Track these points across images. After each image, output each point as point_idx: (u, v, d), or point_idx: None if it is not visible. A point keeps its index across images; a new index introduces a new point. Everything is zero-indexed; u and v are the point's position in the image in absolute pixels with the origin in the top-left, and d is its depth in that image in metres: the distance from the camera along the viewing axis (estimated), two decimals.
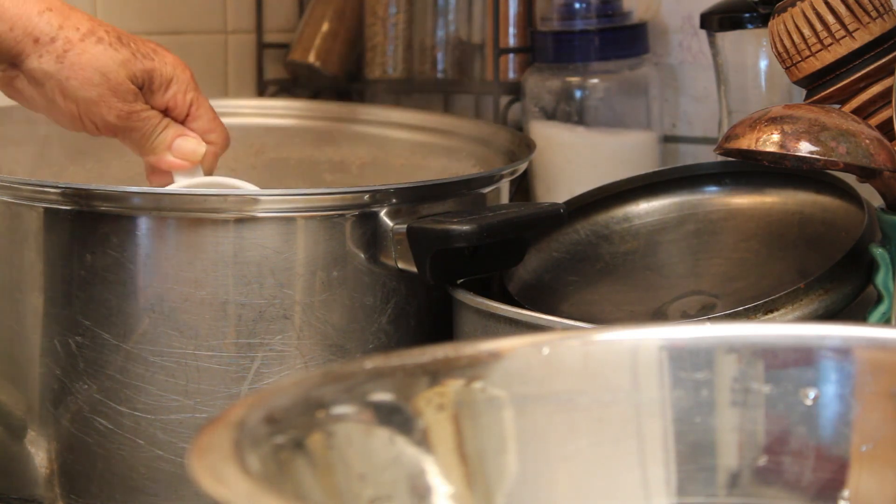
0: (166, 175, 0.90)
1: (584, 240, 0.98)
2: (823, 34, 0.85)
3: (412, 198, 0.85)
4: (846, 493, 0.58)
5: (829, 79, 0.86)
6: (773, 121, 0.79)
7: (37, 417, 0.85)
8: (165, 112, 0.89)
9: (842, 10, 0.84)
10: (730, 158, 0.91)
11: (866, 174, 0.81)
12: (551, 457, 0.59)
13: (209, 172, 0.90)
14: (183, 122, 0.89)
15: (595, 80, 1.15)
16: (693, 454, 0.59)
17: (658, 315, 0.89)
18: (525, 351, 0.60)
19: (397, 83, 1.29)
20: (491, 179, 0.91)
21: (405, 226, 0.83)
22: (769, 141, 0.79)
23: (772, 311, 0.80)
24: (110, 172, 1.04)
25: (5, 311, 0.85)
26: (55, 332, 0.83)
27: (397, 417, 0.56)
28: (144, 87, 0.87)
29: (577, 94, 1.15)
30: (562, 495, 0.59)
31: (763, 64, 1.03)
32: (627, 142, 1.15)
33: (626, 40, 1.16)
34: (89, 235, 0.82)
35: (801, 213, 0.93)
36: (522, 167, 0.95)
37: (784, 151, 0.78)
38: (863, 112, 0.85)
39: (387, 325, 0.85)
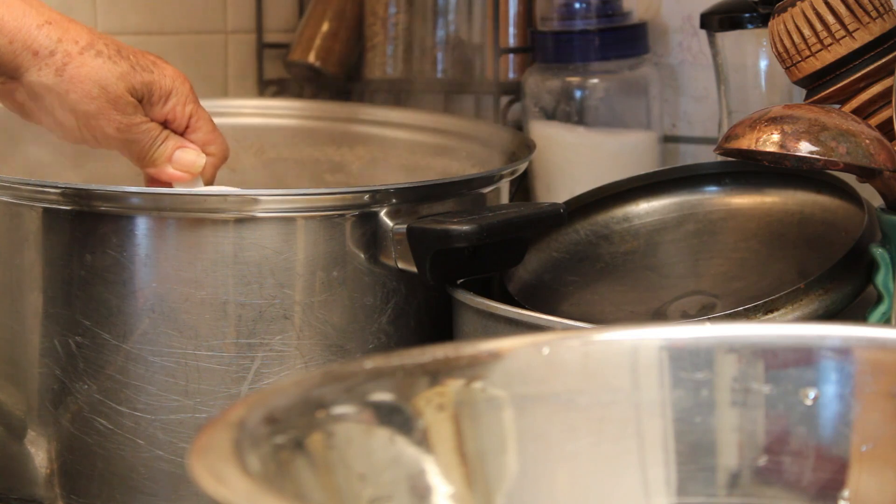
0: (166, 186, 0.90)
1: (584, 240, 0.98)
2: (823, 34, 0.85)
3: (412, 198, 0.85)
4: (846, 493, 0.58)
5: (829, 79, 0.86)
6: (773, 121, 0.79)
7: (37, 417, 0.85)
8: (165, 124, 0.88)
9: (842, 10, 0.84)
10: (730, 158, 0.91)
11: (866, 174, 0.81)
12: (551, 457, 0.59)
13: (209, 183, 0.90)
14: (182, 134, 0.89)
15: (595, 80, 1.15)
16: (693, 454, 0.59)
17: (658, 315, 0.89)
18: (525, 351, 0.60)
19: (397, 83, 1.29)
20: (491, 179, 0.91)
21: (405, 226, 0.83)
22: (769, 141, 0.79)
23: (772, 311, 0.80)
24: (110, 172, 1.04)
25: (5, 311, 0.85)
26: (55, 332, 0.83)
27: (397, 417, 0.56)
28: (144, 100, 0.87)
29: (577, 94, 1.15)
30: (562, 495, 0.59)
31: (763, 64, 1.03)
32: (627, 142, 1.15)
33: (626, 40, 1.16)
34: (89, 235, 0.82)
35: (801, 213, 0.93)
36: (522, 167, 0.95)
37: (784, 151, 0.78)
38: (863, 112, 0.85)
39: (387, 325, 0.85)
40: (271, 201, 0.82)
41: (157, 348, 0.82)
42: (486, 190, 0.91)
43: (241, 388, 0.82)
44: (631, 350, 0.60)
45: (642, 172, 1.00)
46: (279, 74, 1.37)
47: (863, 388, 0.59)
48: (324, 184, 1.09)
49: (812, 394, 0.59)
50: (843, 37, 0.84)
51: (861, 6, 0.84)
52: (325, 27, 1.33)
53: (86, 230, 0.82)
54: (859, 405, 0.59)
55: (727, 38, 1.03)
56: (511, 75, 1.23)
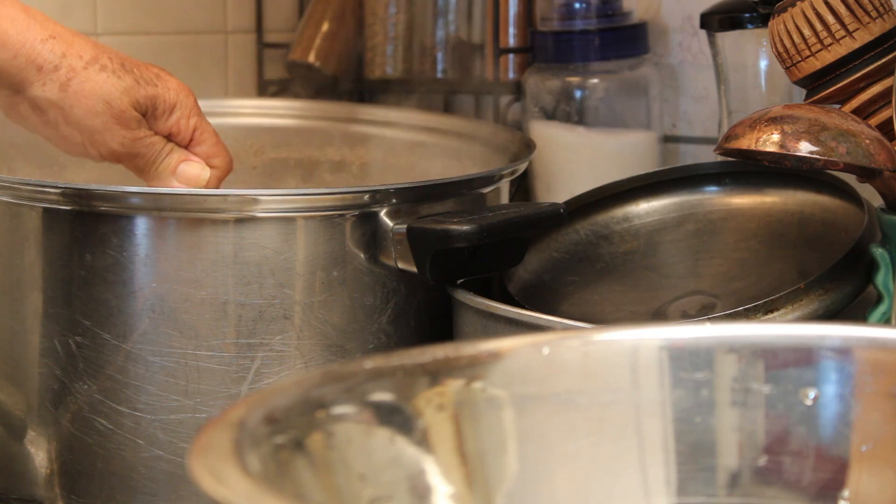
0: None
1: (584, 240, 0.98)
2: (823, 34, 0.85)
3: (412, 198, 0.85)
4: (846, 493, 0.58)
5: (829, 79, 0.86)
6: (773, 121, 0.79)
7: (37, 417, 0.85)
8: (169, 137, 0.88)
9: (842, 10, 0.84)
10: (730, 158, 0.91)
11: (866, 174, 0.81)
12: (551, 457, 0.59)
13: None
14: (187, 147, 0.89)
15: (595, 80, 1.15)
16: (693, 454, 0.59)
17: (658, 315, 0.89)
18: (525, 351, 0.60)
19: (397, 83, 1.29)
20: (491, 179, 0.91)
21: (405, 226, 0.83)
22: (769, 141, 0.79)
23: (772, 311, 0.80)
24: (111, 172, 1.04)
25: (5, 311, 0.85)
26: (55, 332, 0.83)
27: (397, 417, 0.56)
28: (148, 114, 0.87)
29: (577, 94, 1.15)
30: (562, 495, 0.59)
31: (763, 64, 1.03)
32: (627, 142, 1.15)
33: (626, 40, 1.16)
34: (89, 235, 0.82)
35: (801, 213, 0.93)
36: (522, 167, 0.95)
37: (784, 151, 0.78)
38: (863, 112, 0.85)
39: (387, 325, 0.85)
40: (271, 201, 0.82)
41: (157, 348, 0.82)
42: (486, 190, 0.91)
43: (241, 388, 0.82)
44: (631, 350, 0.60)
45: (642, 172, 1.00)
46: (279, 74, 1.37)
47: (863, 388, 0.59)
48: (324, 184, 1.09)
49: (812, 394, 0.59)
50: (843, 37, 0.84)
51: (861, 6, 0.84)
52: (325, 27, 1.33)
53: (86, 230, 0.82)
54: (859, 405, 0.59)
55: (727, 38, 1.03)
56: (511, 75, 1.23)
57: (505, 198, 0.97)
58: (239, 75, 1.36)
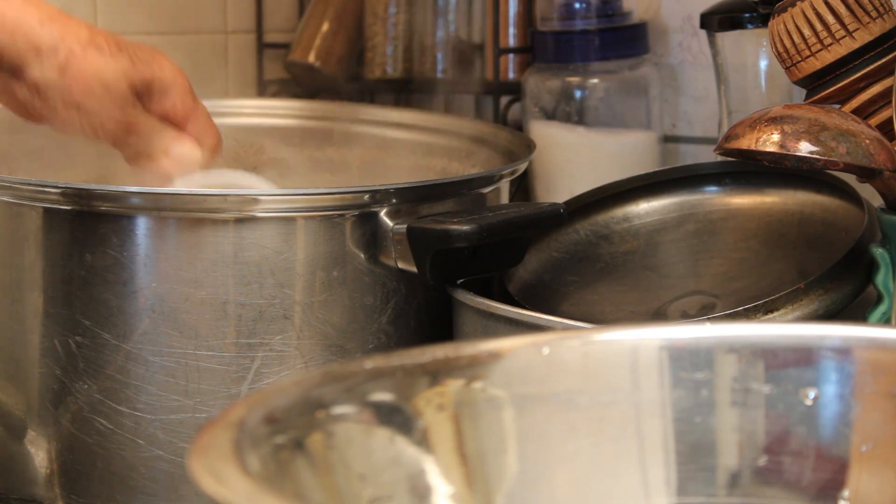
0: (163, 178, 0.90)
1: (584, 240, 0.98)
2: (823, 34, 0.85)
3: (412, 198, 0.85)
4: (846, 493, 0.58)
5: (829, 79, 0.86)
6: (773, 121, 0.79)
7: (37, 417, 0.85)
8: (162, 118, 0.89)
9: (842, 10, 0.84)
10: (730, 158, 0.91)
11: (866, 174, 0.81)
12: (551, 457, 0.59)
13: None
14: (179, 127, 0.90)
15: (595, 80, 1.15)
16: (693, 454, 0.59)
17: (658, 315, 0.89)
18: (525, 351, 0.60)
19: (397, 83, 1.30)
20: (491, 179, 0.91)
21: (405, 226, 0.83)
22: (769, 141, 0.79)
23: (772, 311, 0.80)
24: (111, 172, 1.04)
25: (5, 311, 0.85)
26: (55, 332, 0.83)
27: (397, 417, 0.56)
28: (143, 95, 0.87)
29: (577, 94, 1.15)
30: (562, 495, 0.59)
31: (763, 64, 1.03)
32: (627, 142, 1.15)
33: (626, 40, 1.16)
34: (89, 235, 0.82)
35: (801, 213, 0.93)
36: (522, 167, 0.95)
37: (784, 151, 0.78)
38: (863, 112, 0.85)
39: (387, 325, 0.85)
40: (271, 201, 0.82)
41: (157, 348, 0.82)
42: (486, 190, 0.91)
43: (241, 388, 0.82)
44: (631, 350, 0.60)
45: (642, 172, 1.00)
46: (279, 74, 1.37)
47: (863, 388, 0.59)
48: (324, 184, 1.09)
49: (812, 394, 0.59)
50: (843, 37, 0.84)
51: (861, 6, 0.84)
52: (325, 27, 1.33)
53: (86, 230, 0.82)
54: (859, 405, 0.59)
55: (727, 38, 1.03)
56: (511, 75, 1.23)
57: (505, 198, 0.97)
58: (239, 75, 1.36)
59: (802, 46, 0.85)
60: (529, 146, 0.99)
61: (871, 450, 0.58)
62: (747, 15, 1.01)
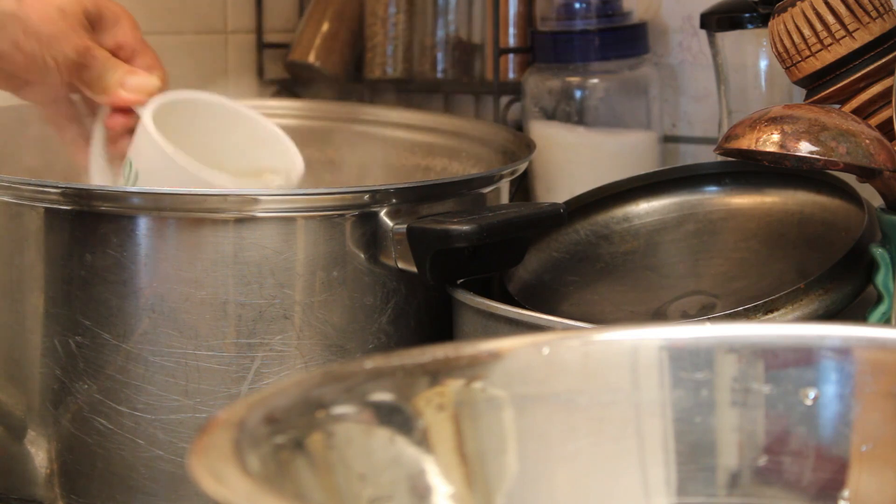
0: (127, 114, 0.91)
1: (584, 240, 0.98)
2: (823, 34, 0.85)
3: (412, 198, 0.85)
4: (846, 493, 0.58)
5: (829, 79, 0.86)
6: (773, 121, 0.79)
7: (37, 417, 0.85)
8: (113, 51, 0.91)
9: (842, 10, 0.84)
10: (730, 158, 0.91)
11: (866, 174, 0.81)
12: (551, 457, 0.59)
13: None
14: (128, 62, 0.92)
15: (595, 80, 1.15)
16: (693, 454, 0.59)
17: (658, 315, 0.89)
18: (525, 351, 0.60)
19: (397, 83, 1.30)
20: (491, 179, 0.91)
21: (405, 226, 0.83)
22: (769, 141, 0.79)
23: (772, 311, 0.80)
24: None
25: (5, 311, 0.85)
26: (55, 332, 0.83)
27: (397, 417, 0.56)
28: (95, 24, 0.90)
29: (577, 94, 1.15)
30: (562, 495, 0.59)
31: (763, 64, 1.03)
32: (627, 142, 1.15)
33: (626, 40, 1.16)
34: (89, 235, 0.82)
35: (801, 213, 0.93)
36: (522, 167, 0.95)
37: (784, 151, 0.78)
38: (863, 112, 0.85)
39: (387, 325, 0.85)
40: (271, 201, 0.82)
41: (157, 348, 0.82)
42: (486, 190, 0.91)
43: (241, 388, 0.82)
44: (631, 350, 0.60)
45: (642, 172, 1.00)
46: (279, 74, 1.37)
47: (863, 388, 0.59)
48: (324, 184, 1.09)
49: (812, 394, 0.59)
50: (843, 37, 0.84)
51: (861, 6, 0.84)
52: (325, 27, 1.33)
53: (86, 230, 0.83)
54: (859, 405, 0.59)
55: (727, 38, 1.03)
56: (511, 75, 1.23)
57: (505, 198, 0.97)
58: (239, 75, 1.36)
59: (802, 46, 0.85)
60: (529, 146, 0.99)
61: (871, 450, 0.58)
62: (747, 15, 1.01)
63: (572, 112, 1.15)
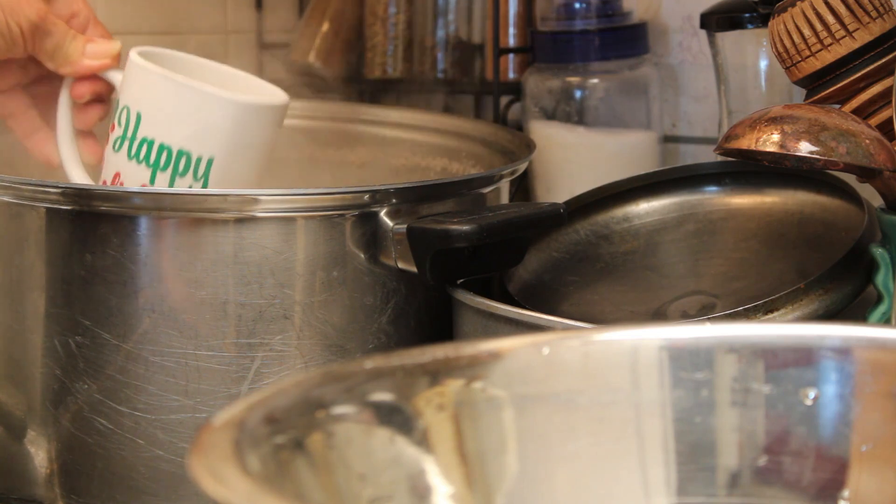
0: (93, 81, 0.92)
1: (584, 240, 0.98)
2: (823, 34, 0.85)
3: (412, 198, 0.85)
4: (846, 493, 0.58)
5: (829, 79, 0.86)
6: (773, 121, 0.79)
7: (37, 417, 0.85)
8: (67, 22, 0.91)
9: (842, 10, 0.84)
10: (730, 158, 0.91)
11: (866, 174, 0.81)
12: (551, 457, 0.59)
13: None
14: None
15: (595, 80, 1.15)
16: (693, 454, 0.59)
17: (658, 315, 0.89)
18: (525, 351, 0.60)
19: (397, 83, 1.30)
20: (491, 179, 0.91)
21: (405, 226, 0.83)
22: (769, 141, 0.79)
23: (772, 311, 0.80)
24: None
25: (5, 311, 0.85)
26: (55, 332, 0.83)
27: (397, 417, 0.56)
28: None
29: (577, 94, 1.15)
30: (562, 495, 0.59)
31: (763, 64, 1.03)
32: (627, 142, 1.15)
33: (626, 40, 1.16)
34: (89, 235, 0.82)
35: (801, 213, 0.93)
36: (522, 167, 0.95)
37: (784, 151, 0.78)
38: (863, 112, 0.85)
39: (387, 325, 0.85)
40: (271, 201, 0.82)
41: (157, 348, 0.82)
42: (486, 190, 0.91)
43: (241, 388, 0.82)
44: (631, 350, 0.60)
45: (642, 172, 1.00)
46: (279, 74, 1.37)
47: (863, 388, 0.59)
48: (324, 184, 1.09)
49: (812, 394, 0.59)
50: (843, 37, 0.84)
51: (861, 6, 0.84)
52: (325, 27, 1.33)
53: (86, 230, 0.83)
54: (859, 405, 0.59)
55: (727, 38, 1.03)
56: (511, 75, 1.23)
57: (505, 198, 0.97)
58: None
59: (802, 46, 0.85)
60: (529, 146, 0.99)
61: (871, 450, 0.58)
62: (747, 15, 1.01)
63: (572, 112, 1.15)
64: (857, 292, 0.83)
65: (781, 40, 0.86)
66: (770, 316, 0.80)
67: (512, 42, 1.23)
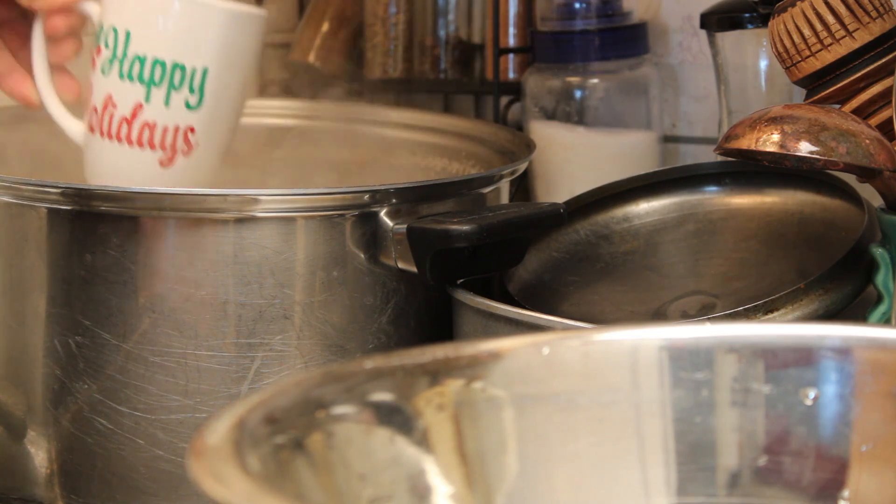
0: (67, 14, 0.90)
1: (584, 240, 0.98)
2: (823, 34, 0.85)
3: (412, 198, 0.85)
4: (846, 493, 0.58)
5: (829, 79, 0.86)
6: (773, 121, 0.79)
7: (37, 417, 0.85)
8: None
9: (842, 10, 0.84)
10: (730, 158, 0.91)
11: (866, 174, 0.81)
12: (551, 457, 0.59)
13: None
14: None
15: (595, 80, 1.15)
16: (693, 454, 0.59)
17: (658, 315, 0.89)
18: (525, 351, 0.60)
19: (397, 83, 1.29)
20: (491, 179, 0.91)
21: (405, 226, 0.83)
22: (769, 141, 0.79)
23: (772, 311, 0.80)
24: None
25: (5, 311, 0.85)
26: (55, 332, 0.83)
27: (397, 417, 0.56)
28: None
29: (577, 94, 1.15)
30: (562, 495, 0.59)
31: (763, 64, 1.03)
32: (627, 142, 1.15)
33: (626, 40, 1.16)
34: (89, 235, 0.82)
35: (801, 213, 0.93)
36: (522, 167, 0.95)
37: (784, 151, 0.78)
38: (863, 112, 0.85)
39: (387, 325, 0.85)
40: (271, 201, 0.82)
41: (157, 348, 0.82)
42: (486, 190, 0.91)
43: (241, 388, 0.82)
44: (631, 350, 0.60)
45: (642, 172, 1.00)
46: (279, 74, 1.37)
47: (863, 388, 0.59)
48: (324, 184, 1.09)
49: (812, 394, 0.59)
50: (843, 37, 0.84)
51: (861, 6, 0.84)
52: (325, 27, 1.33)
53: (86, 230, 0.83)
54: (859, 405, 0.59)
55: (727, 38, 1.03)
56: (511, 75, 1.23)
57: (505, 198, 0.97)
58: None
59: (802, 46, 0.85)
60: (529, 146, 0.99)
61: (871, 450, 0.58)
62: (747, 15, 1.01)
63: (572, 112, 1.15)
64: (857, 292, 0.83)
65: (781, 40, 0.86)
66: (770, 316, 0.80)
67: (512, 42, 1.23)
